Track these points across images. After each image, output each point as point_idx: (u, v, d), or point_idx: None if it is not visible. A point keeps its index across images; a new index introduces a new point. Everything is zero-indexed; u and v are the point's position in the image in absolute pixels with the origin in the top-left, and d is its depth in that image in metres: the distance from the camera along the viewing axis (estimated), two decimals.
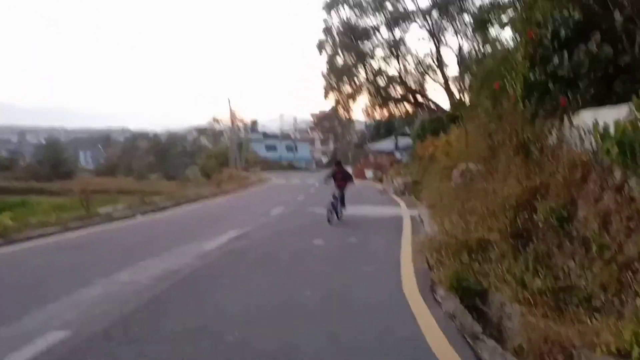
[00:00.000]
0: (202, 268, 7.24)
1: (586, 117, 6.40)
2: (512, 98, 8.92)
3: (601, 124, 5.84)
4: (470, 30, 46.44)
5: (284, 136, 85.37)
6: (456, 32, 47.97)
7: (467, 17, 46.69)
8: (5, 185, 48.80)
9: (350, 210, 15.36)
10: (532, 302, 5.18)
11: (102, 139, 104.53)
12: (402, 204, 18.76)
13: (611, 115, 5.58)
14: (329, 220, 12.53)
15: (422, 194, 20.30)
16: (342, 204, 13.27)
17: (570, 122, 7.28)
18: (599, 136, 5.40)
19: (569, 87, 7.38)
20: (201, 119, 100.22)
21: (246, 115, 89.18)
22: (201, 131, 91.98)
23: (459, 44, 47.88)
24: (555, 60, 7.06)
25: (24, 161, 71.42)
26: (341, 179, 13.54)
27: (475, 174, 11.49)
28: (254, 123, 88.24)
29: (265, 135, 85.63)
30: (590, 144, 6.02)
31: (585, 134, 6.29)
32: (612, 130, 5.07)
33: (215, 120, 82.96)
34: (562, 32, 7.28)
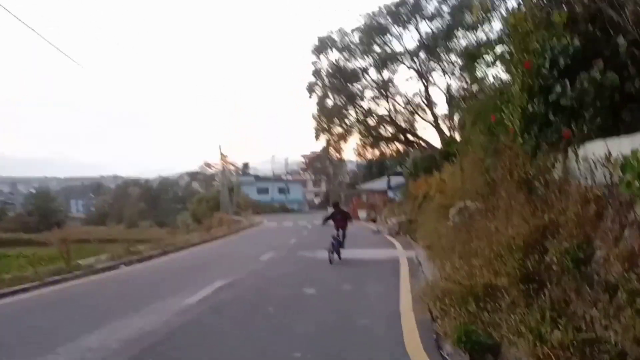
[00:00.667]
0: (180, 327, 6.48)
1: (596, 149, 5.90)
2: (511, 131, 8.48)
3: (614, 154, 5.34)
4: (458, 68, 47.11)
5: (276, 178, 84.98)
6: (444, 72, 48.62)
7: (454, 57, 47.46)
8: None
9: (344, 253, 14.72)
10: (554, 359, 4.53)
11: (94, 187, 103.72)
12: (398, 244, 18.10)
13: (625, 145, 5.09)
14: (330, 261, 12.87)
15: (417, 234, 19.70)
16: (342, 245, 13.52)
17: (576, 155, 6.80)
18: (619, 168, 4.87)
19: (572, 118, 6.94)
20: (193, 164, 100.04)
21: (237, 158, 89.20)
22: (192, 176, 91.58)
23: (447, 83, 48.25)
24: (558, 89, 6.62)
25: (14, 211, 70.04)
26: (341, 219, 13.88)
27: (474, 212, 10.93)
28: (245, 166, 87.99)
29: (257, 177, 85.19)
30: (604, 177, 5.49)
31: (596, 166, 5.77)
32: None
33: (207, 164, 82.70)
34: (562, 61, 6.89)
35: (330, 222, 14.11)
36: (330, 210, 15.00)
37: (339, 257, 13.27)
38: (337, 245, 13.30)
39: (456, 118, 47.89)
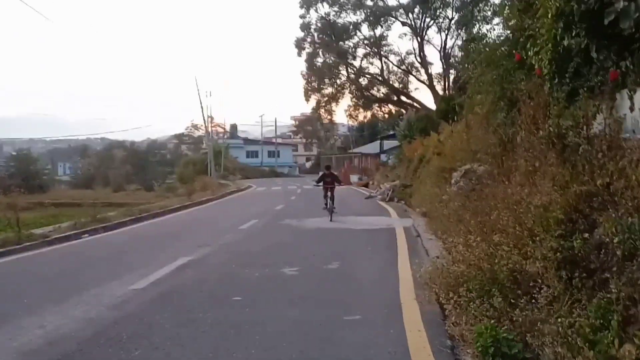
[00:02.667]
0: (108, 328, 4.84)
1: None
2: (538, 73, 6.85)
3: None
4: (455, 24, 44.86)
5: (266, 141, 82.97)
6: (439, 29, 46.41)
7: (450, 12, 45.13)
8: None
9: (333, 222, 13.28)
10: None
11: (81, 150, 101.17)
12: (392, 211, 16.64)
13: None
14: (329, 211, 14.40)
15: (413, 199, 18.27)
16: (333, 201, 14.73)
17: (632, 101, 5.22)
18: None
19: (626, 51, 5.32)
20: (181, 126, 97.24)
21: (225, 120, 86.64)
22: (179, 138, 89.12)
23: (443, 41, 46.07)
24: (620, 4, 4.89)
25: (5, 174, 67.42)
26: (330, 182, 15.27)
27: (483, 175, 9.39)
28: (234, 128, 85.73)
29: (246, 140, 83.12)
30: None
31: None
32: None
33: (194, 126, 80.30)
34: None
35: (323, 183, 15.43)
36: (321, 173, 16.54)
37: (330, 219, 14.09)
38: (329, 202, 14.66)
39: (452, 76, 46.09)
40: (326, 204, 14.66)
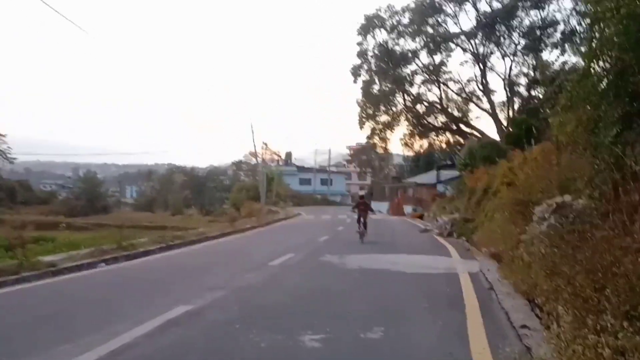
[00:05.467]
0: None
1: None
2: None
3: None
4: (521, 49, 42.01)
5: (319, 169, 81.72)
6: (503, 55, 43.61)
7: (516, 37, 42.36)
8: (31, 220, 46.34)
9: (378, 261, 11.14)
10: None
11: (146, 174, 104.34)
12: (452, 250, 14.22)
13: None
14: (361, 234, 16.84)
15: (477, 236, 15.79)
16: (365, 226, 17.10)
17: None
18: None
19: None
20: (239, 154, 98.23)
21: (280, 148, 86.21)
22: (237, 165, 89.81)
23: (507, 67, 43.16)
24: None
25: (72, 195, 69.40)
26: (363, 209, 17.66)
27: (584, 212, 7.03)
28: (288, 155, 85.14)
29: (300, 168, 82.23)
30: None
31: None
32: None
33: (251, 153, 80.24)
34: None
35: (357, 210, 17.91)
36: (358, 201, 19.65)
37: (362, 241, 16.48)
38: (361, 225, 17.02)
39: (517, 105, 42.87)
40: (359, 228, 16.99)
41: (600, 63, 7.48)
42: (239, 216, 29.78)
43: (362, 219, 17.02)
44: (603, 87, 7.36)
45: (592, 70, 7.64)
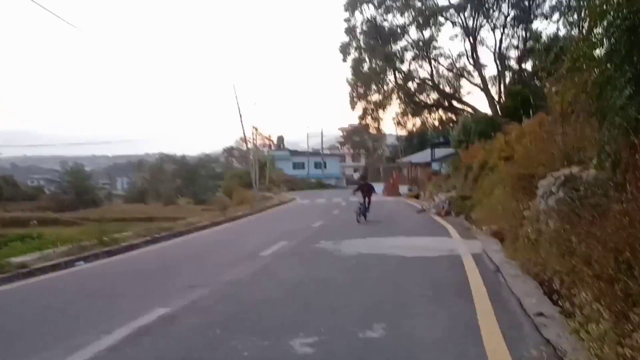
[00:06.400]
0: None
1: None
2: None
3: None
4: (510, 22, 41.13)
5: (312, 152, 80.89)
6: (493, 28, 42.69)
7: (505, 8, 41.39)
8: (16, 216, 45.34)
9: (376, 245, 10.56)
10: None
11: (137, 164, 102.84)
12: (452, 229, 13.66)
13: None
14: (357, 221, 16.68)
15: (476, 214, 15.24)
16: (368, 209, 17.52)
17: None
18: None
19: None
20: (231, 140, 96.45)
21: (272, 133, 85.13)
22: (229, 151, 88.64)
23: (497, 40, 42.27)
24: None
25: (60, 190, 67.94)
26: (366, 190, 17.91)
27: (595, 184, 6.42)
28: (280, 139, 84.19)
29: (293, 152, 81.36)
30: None
31: None
32: None
33: (242, 139, 79.18)
34: None
35: (360, 192, 17.99)
36: (360, 182, 19.83)
37: (365, 219, 16.97)
38: (364, 209, 17.30)
39: (508, 78, 42.10)
40: (359, 208, 17.16)
41: (608, 18, 6.76)
42: (231, 204, 29.05)
43: (367, 200, 17.53)
44: (611, 46, 6.68)
45: (597, 29, 6.97)
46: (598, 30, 6.92)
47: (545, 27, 37.64)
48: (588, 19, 6.60)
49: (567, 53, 7.56)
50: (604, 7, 6.68)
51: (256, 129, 47.40)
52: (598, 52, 7.05)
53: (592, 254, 4.91)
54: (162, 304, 6.01)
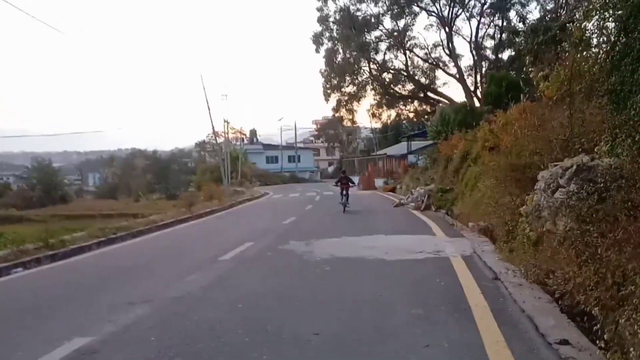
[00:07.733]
0: None
1: None
2: None
3: None
4: (487, 8, 40.47)
5: (285, 146, 79.46)
6: (469, 17, 42.04)
7: None
8: None
9: (351, 245, 9.43)
10: None
11: (109, 160, 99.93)
12: (434, 225, 12.62)
13: None
14: (343, 210, 17.96)
15: (458, 208, 14.30)
16: (347, 200, 18.60)
17: None
18: None
19: None
20: (203, 135, 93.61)
21: (244, 126, 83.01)
22: (202, 146, 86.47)
23: (474, 29, 41.64)
24: None
25: (27, 186, 64.75)
26: (345, 183, 19.06)
27: (614, 174, 5.36)
28: (253, 133, 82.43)
29: (266, 146, 79.77)
30: None
31: None
32: None
33: (214, 133, 77.18)
34: None
35: (339, 185, 19.18)
36: (340, 176, 20.51)
37: (344, 210, 18.00)
38: (344, 199, 18.47)
39: (484, 68, 41.53)
40: (342, 200, 18.45)
41: None
42: (200, 199, 27.59)
43: (344, 192, 18.60)
44: (629, 11, 5.63)
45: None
46: None
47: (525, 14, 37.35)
48: None
49: (574, 27, 6.47)
50: None
51: (227, 122, 45.88)
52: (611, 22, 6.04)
53: (629, 264, 3.84)
54: (85, 331, 4.72)
